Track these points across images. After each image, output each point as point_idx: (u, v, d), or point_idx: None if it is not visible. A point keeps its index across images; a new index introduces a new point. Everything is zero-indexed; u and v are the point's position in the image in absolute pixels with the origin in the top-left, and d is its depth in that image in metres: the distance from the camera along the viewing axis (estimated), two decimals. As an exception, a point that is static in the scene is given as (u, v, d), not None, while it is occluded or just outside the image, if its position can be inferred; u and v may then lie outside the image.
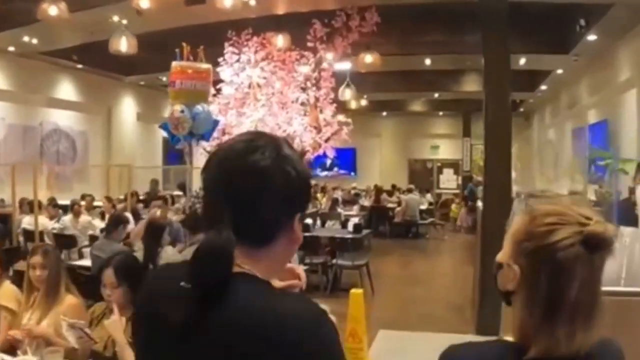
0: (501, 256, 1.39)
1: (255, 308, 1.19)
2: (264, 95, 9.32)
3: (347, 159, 25.37)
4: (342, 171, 25.02)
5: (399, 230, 16.89)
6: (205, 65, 7.39)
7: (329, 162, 25.71)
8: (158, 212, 7.04)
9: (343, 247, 9.54)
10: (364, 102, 17.16)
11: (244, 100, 9.59)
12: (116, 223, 6.06)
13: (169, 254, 5.31)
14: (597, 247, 1.26)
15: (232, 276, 1.20)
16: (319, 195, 16.47)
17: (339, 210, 13.99)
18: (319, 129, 9.61)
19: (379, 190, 18.11)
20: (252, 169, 1.24)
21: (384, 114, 24.29)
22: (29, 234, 9.90)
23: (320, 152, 9.83)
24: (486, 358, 1.35)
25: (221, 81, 9.49)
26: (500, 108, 6.89)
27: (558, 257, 1.25)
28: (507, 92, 7.00)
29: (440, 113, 24.04)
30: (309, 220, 9.98)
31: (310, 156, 9.67)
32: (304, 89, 9.67)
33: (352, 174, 24.99)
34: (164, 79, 11.55)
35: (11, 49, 12.36)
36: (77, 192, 12.62)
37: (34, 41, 11.46)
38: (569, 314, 1.26)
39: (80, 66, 14.23)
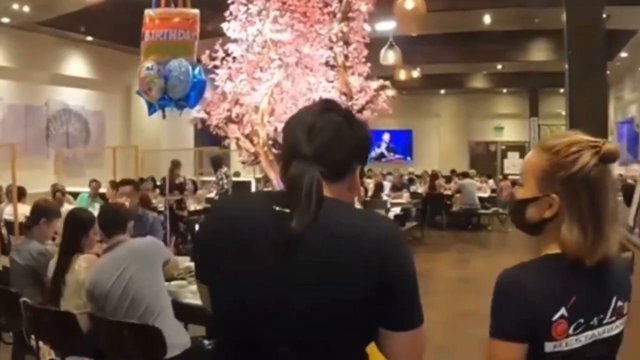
0: (527, 192, 1.65)
1: (347, 222, 1.50)
2: (278, 54, 7.50)
3: (402, 142, 23.82)
4: (397, 156, 23.36)
5: (457, 220, 15.10)
6: (182, 11, 5.65)
7: (383, 146, 24.54)
8: (126, 202, 5.33)
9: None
10: (416, 74, 15.17)
11: (258, 63, 7.80)
12: (36, 216, 4.33)
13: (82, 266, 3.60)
14: (612, 160, 1.59)
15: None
16: (367, 180, 14.57)
17: (384, 197, 11.92)
18: (349, 96, 7.75)
19: (434, 175, 16.22)
20: (331, 121, 1.58)
21: (442, 92, 22.57)
22: (10, 226, 8.67)
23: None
24: (547, 269, 1.60)
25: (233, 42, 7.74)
26: (592, 82, 5.00)
27: (591, 176, 1.56)
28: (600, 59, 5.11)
29: (504, 90, 22.23)
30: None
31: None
32: (330, 48, 7.81)
33: (408, 158, 23.36)
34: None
35: (5, 20, 11.23)
36: (88, 176, 11.49)
37: (25, 9, 10.14)
38: (611, 221, 1.58)
39: (90, 39, 12.87)
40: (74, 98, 13.62)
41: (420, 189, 15.87)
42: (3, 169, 12.22)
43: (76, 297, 3.61)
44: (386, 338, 1.49)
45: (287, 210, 1.44)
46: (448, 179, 17.35)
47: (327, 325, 1.42)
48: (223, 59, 7.71)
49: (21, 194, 9.16)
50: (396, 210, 9.10)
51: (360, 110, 7.89)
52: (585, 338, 1.56)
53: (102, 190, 10.56)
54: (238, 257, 1.49)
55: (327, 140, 1.54)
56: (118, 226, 3.67)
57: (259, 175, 12.49)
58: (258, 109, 7.88)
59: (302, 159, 1.49)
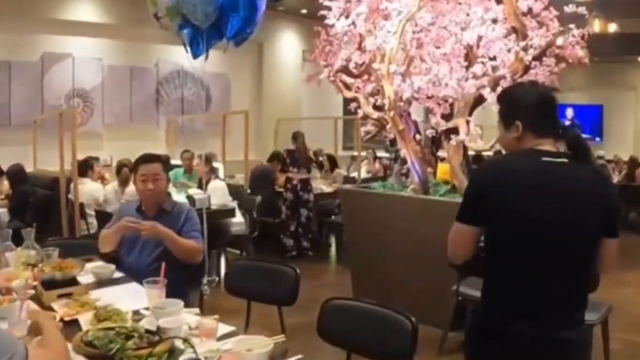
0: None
1: (595, 168, 2.44)
2: None
3: (590, 120, 20.39)
4: (583, 136, 19.78)
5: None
6: None
7: (566, 123, 21.34)
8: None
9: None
10: (613, 29, 11.93)
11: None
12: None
13: None
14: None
15: None
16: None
17: None
18: (522, 34, 5.13)
19: (633, 162, 12.82)
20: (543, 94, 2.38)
21: (640, 59, 18.62)
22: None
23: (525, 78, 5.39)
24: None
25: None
26: None
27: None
28: None
29: None
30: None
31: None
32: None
33: (597, 139, 19.86)
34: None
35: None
36: (209, 148, 9.83)
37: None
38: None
39: (211, -13, 10.88)
40: (191, 59, 11.87)
41: (615, 177, 12.62)
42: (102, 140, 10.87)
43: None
44: (605, 244, 2.27)
45: (559, 160, 2.22)
46: (649, 167, 13.78)
47: (584, 237, 2.21)
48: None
49: (87, 168, 7.41)
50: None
51: (539, 57, 5.22)
52: None
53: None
54: (526, 191, 2.17)
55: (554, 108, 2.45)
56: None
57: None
58: (384, 56, 5.49)
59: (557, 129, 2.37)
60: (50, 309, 2.81)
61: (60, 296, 2.97)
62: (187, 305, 3.71)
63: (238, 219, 7.58)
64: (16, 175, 7.22)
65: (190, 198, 6.76)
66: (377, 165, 11.96)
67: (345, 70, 6.13)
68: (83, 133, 10.57)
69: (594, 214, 2.20)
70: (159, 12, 3.87)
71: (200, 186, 7.74)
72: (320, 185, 9.40)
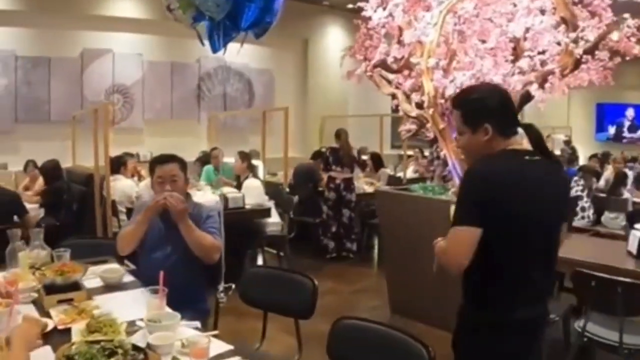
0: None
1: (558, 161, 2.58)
2: None
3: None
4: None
5: None
6: None
7: (626, 124, 20.43)
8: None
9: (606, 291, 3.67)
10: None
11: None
12: None
13: None
14: None
15: None
16: (609, 166, 11.17)
17: (626, 194, 8.37)
18: (573, 25, 4.79)
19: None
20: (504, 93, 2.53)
21: None
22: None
23: (577, 82, 5.04)
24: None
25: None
26: None
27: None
28: None
29: None
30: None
31: (556, 84, 4.95)
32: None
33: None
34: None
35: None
36: (252, 145, 9.92)
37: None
38: None
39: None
40: (234, 55, 11.74)
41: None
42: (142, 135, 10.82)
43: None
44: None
45: (535, 158, 2.34)
46: None
47: (559, 225, 2.45)
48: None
49: (120, 164, 7.32)
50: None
51: (591, 51, 4.87)
52: None
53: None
54: (521, 191, 2.26)
55: None
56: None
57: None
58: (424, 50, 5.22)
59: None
60: (48, 314, 2.66)
61: (61, 301, 2.81)
62: (203, 312, 3.53)
63: (274, 219, 7.36)
64: (51, 171, 7.12)
65: (223, 197, 6.60)
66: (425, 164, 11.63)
67: (384, 65, 5.86)
68: (123, 129, 10.60)
69: (564, 203, 2.66)
70: (171, 3, 3.64)
71: (238, 185, 7.57)
72: (363, 185, 9.13)
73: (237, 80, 12.16)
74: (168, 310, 2.66)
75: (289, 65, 13.28)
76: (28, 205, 6.65)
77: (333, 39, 13.42)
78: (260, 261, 7.52)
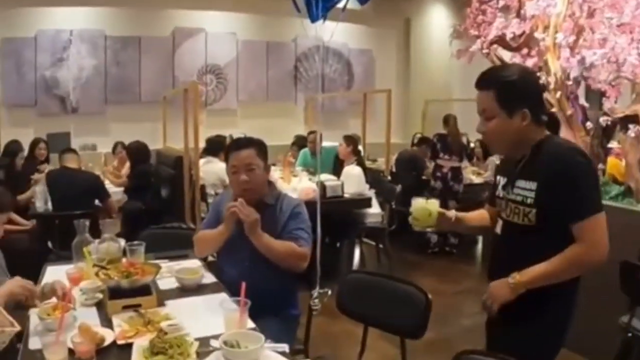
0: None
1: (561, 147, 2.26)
2: None
3: None
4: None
5: None
6: None
7: None
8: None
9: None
10: None
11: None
12: None
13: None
14: None
15: None
16: None
17: None
18: None
19: None
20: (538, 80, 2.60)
21: None
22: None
23: None
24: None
25: None
26: None
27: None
28: None
29: None
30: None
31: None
32: None
33: None
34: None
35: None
36: (351, 129, 9.46)
37: None
38: None
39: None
40: (333, 33, 11.28)
41: None
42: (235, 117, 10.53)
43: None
44: None
45: None
46: None
47: None
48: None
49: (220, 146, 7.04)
50: None
51: None
52: None
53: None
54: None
55: None
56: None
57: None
58: (548, 25, 4.58)
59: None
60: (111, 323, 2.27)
61: (126, 307, 2.41)
62: (292, 319, 3.06)
63: (374, 210, 6.83)
64: (136, 152, 6.84)
65: (321, 184, 6.12)
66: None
67: (501, 42, 5.24)
68: (216, 110, 10.35)
69: None
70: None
71: (337, 172, 7.09)
72: (470, 174, 8.49)
73: (335, 61, 11.64)
74: (250, 324, 2.21)
75: (391, 45, 12.60)
76: (112, 189, 6.41)
77: (437, 17, 12.68)
78: (357, 254, 7.09)
